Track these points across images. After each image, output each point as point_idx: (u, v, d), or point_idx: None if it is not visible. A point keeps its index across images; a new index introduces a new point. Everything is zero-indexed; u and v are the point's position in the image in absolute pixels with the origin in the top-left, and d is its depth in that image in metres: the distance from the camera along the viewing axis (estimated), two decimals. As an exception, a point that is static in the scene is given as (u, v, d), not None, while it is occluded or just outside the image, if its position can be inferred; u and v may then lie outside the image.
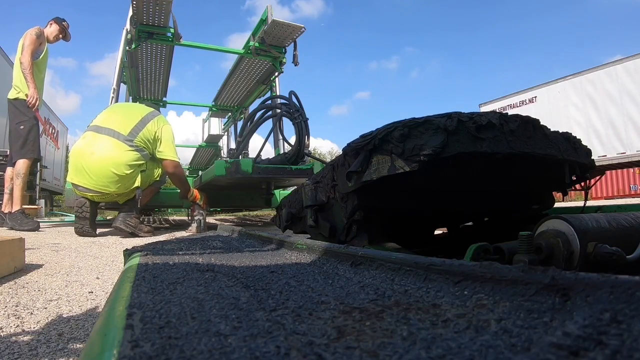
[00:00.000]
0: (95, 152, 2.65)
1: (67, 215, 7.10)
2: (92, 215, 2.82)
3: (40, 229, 3.17)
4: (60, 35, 3.47)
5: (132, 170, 2.71)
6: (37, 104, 3.21)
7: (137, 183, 2.78)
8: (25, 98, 3.18)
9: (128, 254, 0.76)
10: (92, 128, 2.79)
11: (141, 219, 3.10)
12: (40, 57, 3.29)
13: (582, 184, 1.10)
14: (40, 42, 3.27)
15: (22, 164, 3.17)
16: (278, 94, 4.33)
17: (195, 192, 3.22)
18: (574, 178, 1.07)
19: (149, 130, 2.82)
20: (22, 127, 3.18)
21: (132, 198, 2.85)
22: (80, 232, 2.77)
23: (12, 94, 3.23)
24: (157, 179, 3.02)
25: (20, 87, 3.19)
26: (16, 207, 3.09)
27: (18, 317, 0.94)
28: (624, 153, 8.95)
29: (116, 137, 2.70)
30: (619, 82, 8.96)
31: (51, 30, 3.41)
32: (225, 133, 6.27)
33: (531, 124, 0.86)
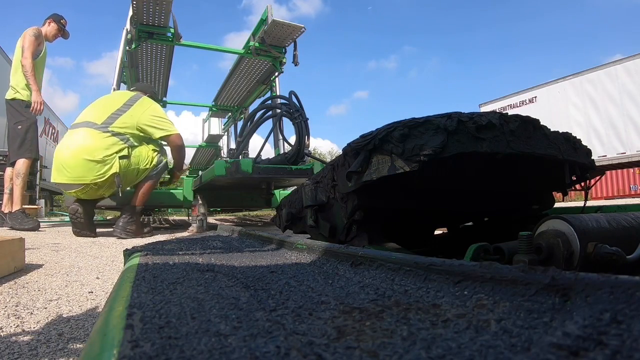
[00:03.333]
0: (69, 146, 2.63)
1: (67, 215, 7.09)
2: (89, 217, 2.79)
3: (40, 229, 3.17)
4: (59, 34, 3.47)
5: (106, 154, 2.59)
6: (41, 109, 3.21)
7: (115, 169, 2.62)
8: (22, 98, 3.18)
9: (128, 254, 0.76)
10: (71, 127, 2.80)
11: (143, 218, 3.07)
12: (39, 57, 3.29)
13: (582, 184, 1.10)
14: (39, 43, 3.27)
15: (21, 164, 3.18)
16: (278, 94, 4.34)
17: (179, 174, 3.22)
18: (574, 178, 1.07)
19: (132, 115, 2.74)
20: (19, 127, 3.18)
21: (126, 193, 2.81)
22: (78, 235, 2.77)
23: (9, 95, 3.23)
24: (147, 166, 2.82)
25: (17, 88, 3.20)
26: (16, 206, 3.09)
27: (18, 317, 0.94)
28: (624, 153, 8.96)
29: (90, 127, 2.67)
30: (619, 82, 8.97)
31: (50, 29, 3.40)
32: (225, 133, 6.28)
33: (531, 124, 0.86)
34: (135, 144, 2.77)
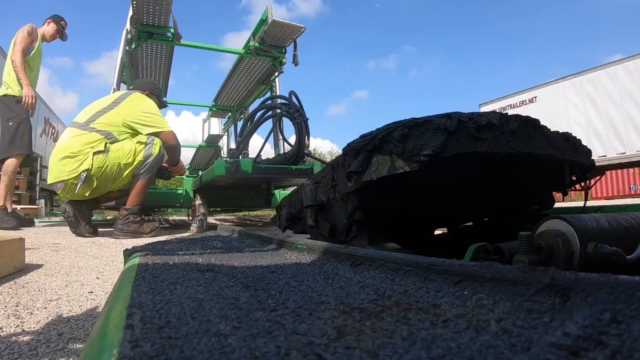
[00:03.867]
0: (55, 147, 2.66)
1: (67, 215, 7.07)
2: (82, 216, 2.75)
3: (20, 229, 3.06)
4: (57, 35, 3.46)
5: (78, 150, 2.52)
6: (32, 102, 3.18)
7: (86, 165, 2.51)
8: (13, 94, 3.18)
9: (128, 254, 0.76)
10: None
11: (142, 218, 3.02)
12: (32, 53, 3.26)
13: (582, 184, 1.10)
14: (32, 40, 3.24)
15: (10, 162, 3.16)
16: (278, 94, 4.34)
17: (181, 167, 3.14)
18: (574, 178, 1.07)
19: (118, 112, 2.67)
20: (10, 123, 3.16)
21: (125, 192, 2.79)
22: (77, 234, 2.76)
23: (1, 91, 3.22)
24: (129, 161, 2.64)
25: (9, 84, 3.18)
26: None
27: (18, 317, 0.94)
28: (624, 153, 8.96)
29: (72, 126, 2.67)
30: (619, 82, 8.97)
31: (48, 29, 3.38)
32: (225, 133, 6.28)
33: (531, 124, 0.86)
34: (119, 139, 2.65)
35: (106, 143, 2.59)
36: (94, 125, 2.63)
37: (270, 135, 3.40)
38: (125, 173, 2.67)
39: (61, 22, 3.45)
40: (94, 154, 2.54)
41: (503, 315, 0.27)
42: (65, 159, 2.53)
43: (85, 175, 2.51)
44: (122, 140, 2.66)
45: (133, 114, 2.71)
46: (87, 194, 2.63)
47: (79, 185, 2.51)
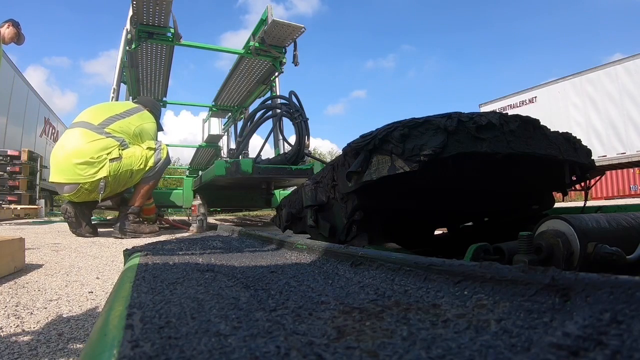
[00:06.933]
0: (64, 146, 2.64)
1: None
2: (83, 217, 2.78)
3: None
4: (15, 39, 3.50)
5: (96, 156, 2.57)
6: None
7: (104, 172, 2.58)
8: None
9: (128, 254, 0.76)
10: (69, 126, 2.82)
11: (141, 219, 3.04)
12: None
13: (582, 184, 1.10)
14: None
15: None
16: (278, 94, 4.34)
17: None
18: (574, 178, 1.07)
19: (131, 122, 2.78)
20: None
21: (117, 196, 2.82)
22: (77, 234, 2.76)
23: None
24: (141, 167, 2.75)
25: None
26: None
27: (18, 317, 0.94)
28: (624, 153, 8.96)
29: (85, 127, 2.67)
30: (619, 82, 8.97)
31: (8, 31, 3.42)
32: (225, 133, 6.28)
33: (531, 124, 0.86)
34: (129, 146, 2.76)
35: (119, 149, 2.68)
36: (109, 130, 2.67)
37: (270, 135, 3.40)
38: (137, 178, 2.79)
39: (18, 27, 3.49)
40: (110, 160, 2.61)
41: (503, 315, 0.27)
42: (82, 164, 2.56)
43: (104, 183, 2.59)
44: (129, 148, 2.76)
45: (149, 127, 2.89)
46: (99, 199, 2.71)
47: (100, 193, 2.60)
